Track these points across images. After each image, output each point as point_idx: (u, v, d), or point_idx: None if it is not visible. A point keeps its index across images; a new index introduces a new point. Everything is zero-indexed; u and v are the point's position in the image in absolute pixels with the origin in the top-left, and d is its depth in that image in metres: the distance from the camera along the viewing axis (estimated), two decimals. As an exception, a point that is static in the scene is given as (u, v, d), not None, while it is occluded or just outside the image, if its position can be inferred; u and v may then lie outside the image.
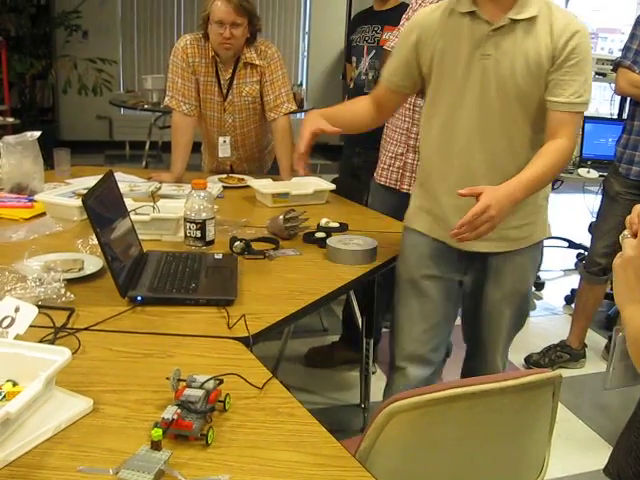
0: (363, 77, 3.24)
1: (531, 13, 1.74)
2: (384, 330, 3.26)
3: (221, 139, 2.98)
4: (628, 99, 3.19)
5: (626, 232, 0.95)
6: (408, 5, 2.80)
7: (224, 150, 2.99)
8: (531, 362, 3.26)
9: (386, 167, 2.73)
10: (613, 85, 3.05)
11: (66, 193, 2.44)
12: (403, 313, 2.07)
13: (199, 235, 2.02)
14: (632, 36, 2.92)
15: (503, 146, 1.83)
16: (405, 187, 2.66)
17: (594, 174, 3.87)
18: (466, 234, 1.68)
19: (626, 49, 2.93)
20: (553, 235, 4.84)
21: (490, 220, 1.66)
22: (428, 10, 1.91)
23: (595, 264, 3.14)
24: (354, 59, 3.37)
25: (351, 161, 3.31)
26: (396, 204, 2.65)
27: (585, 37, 1.75)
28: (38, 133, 2.56)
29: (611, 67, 3.21)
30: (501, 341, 2.09)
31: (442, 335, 2.09)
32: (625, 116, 3.22)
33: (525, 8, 1.74)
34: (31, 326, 1.37)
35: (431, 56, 1.86)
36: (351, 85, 3.43)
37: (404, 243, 2.08)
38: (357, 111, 2.09)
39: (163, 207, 2.23)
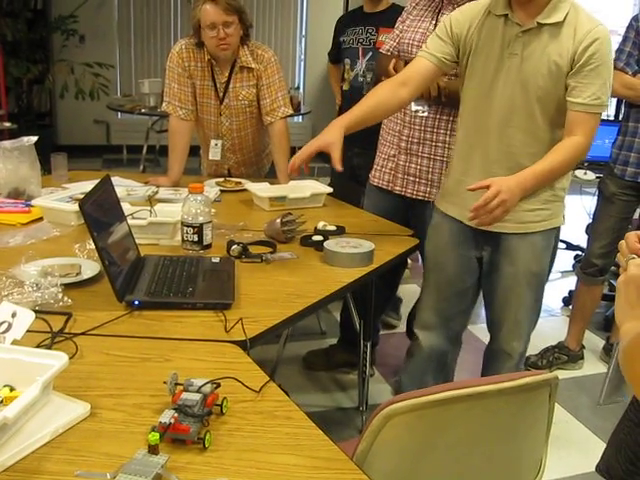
0: (361, 79, 3.24)
1: (558, 18, 1.89)
2: (382, 332, 3.28)
3: (213, 142, 2.98)
4: (623, 101, 3.20)
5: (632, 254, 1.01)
6: (400, 7, 2.81)
7: (215, 153, 2.99)
8: (529, 363, 3.26)
9: (379, 168, 2.74)
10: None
11: (63, 198, 2.44)
12: (423, 285, 2.31)
13: (196, 239, 2.02)
14: (625, 39, 2.95)
15: (520, 138, 1.98)
16: (397, 189, 2.66)
17: (591, 176, 3.88)
18: (483, 217, 1.84)
19: (619, 51, 2.96)
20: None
21: (502, 204, 1.82)
22: (471, 5, 2.06)
23: (592, 265, 3.14)
24: (347, 61, 3.38)
25: (350, 162, 3.31)
26: (388, 205, 2.66)
27: (605, 44, 1.88)
28: (35, 138, 2.56)
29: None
30: (517, 322, 2.19)
31: (456, 307, 2.28)
32: (622, 117, 3.23)
33: (553, 13, 1.89)
34: (28, 331, 1.37)
35: (470, 48, 2.01)
36: (344, 86, 3.43)
37: (430, 223, 2.29)
38: (386, 102, 2.10)
39: (160, 211, 2.24)
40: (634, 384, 0.89)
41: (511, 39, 1.93)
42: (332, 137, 1.99)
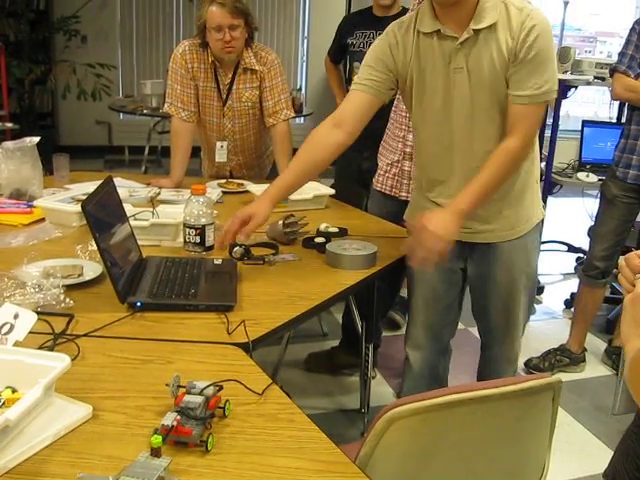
0: None
1: (491, 20, 1.78)
2: (384, 334, 3.27)
3: (218, 144, 2.98)
4: (626, 104, 3.20)
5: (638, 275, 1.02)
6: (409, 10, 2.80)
7: (221, 155, 2.99)
8: (531, 366, 3.26)
9: (382, 173, 2.73)
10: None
11: (65, 199, 2.44)
12: (410, 302, 2.21)
13: (198, 240, 2.02)
14: (627, 42, 2.95)
15: (478, 149, 1.89)
16: (404, 194, 2.66)
17: (593, 178, 3.87)
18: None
19: (621, 55, 2.96)
20: (552, 239, 4.84)
21: (437, 240, 1.73)
22: (396, 26, 1.94)
23: (594, 267, 3.14)
24: (357, 64, 3.35)
25: (359, 166, 3.29)
26: (393, 211, 2.64)
27: (543, 30, 1.77)
28: (37, 138, 2.56)
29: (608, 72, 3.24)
30: (516, 326, 2.15)
31: (445, 320, 2.21)
32: (624, 120, 3.23)
33: (484, 16, 1.78)
34: (30, 332, 1.37)
35: (410, 75, 1.91)
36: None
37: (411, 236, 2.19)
38: (317, 157, 1.96)
39: (162, 212, 2.24)
40: None
41: (451, 53, 1.82)
42: (257, 209, 1.89)
